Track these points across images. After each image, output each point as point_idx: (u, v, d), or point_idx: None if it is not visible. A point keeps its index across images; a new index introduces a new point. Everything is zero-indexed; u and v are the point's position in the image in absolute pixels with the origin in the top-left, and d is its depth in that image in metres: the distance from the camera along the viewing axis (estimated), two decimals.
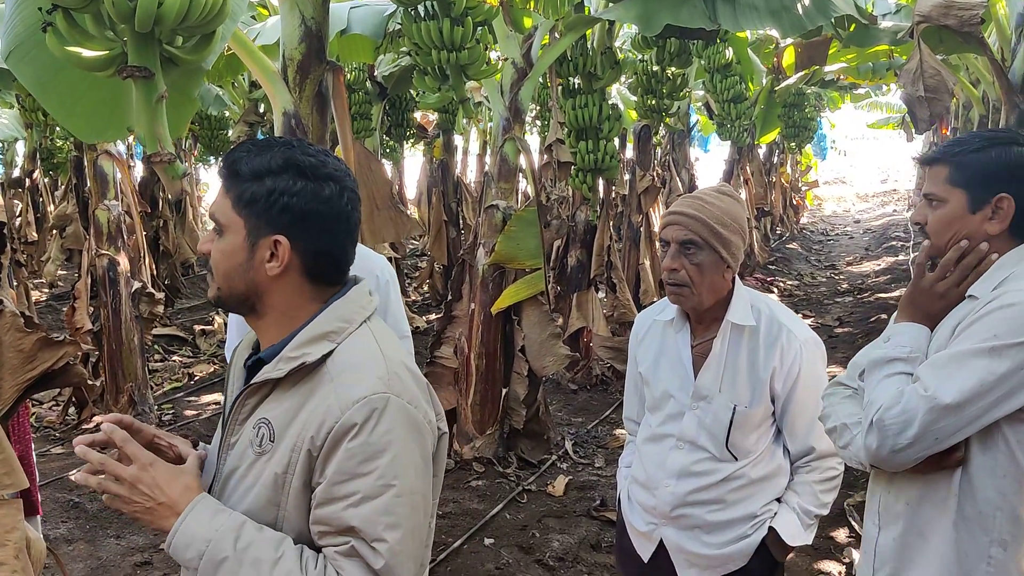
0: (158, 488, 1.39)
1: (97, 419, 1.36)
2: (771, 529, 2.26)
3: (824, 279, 12.12)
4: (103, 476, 1.40)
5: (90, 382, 5.86)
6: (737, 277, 2.30)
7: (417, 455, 1.40)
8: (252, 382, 1.44)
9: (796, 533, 2.26)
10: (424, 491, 1.42)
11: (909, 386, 1.73)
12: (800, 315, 7.15)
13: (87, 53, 2.51)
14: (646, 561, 2.39)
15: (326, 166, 1.43)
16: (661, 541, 2.35)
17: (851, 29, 6.22)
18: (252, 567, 1.33)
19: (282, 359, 1.41)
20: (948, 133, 12.50)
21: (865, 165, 33.09)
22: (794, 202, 17.03)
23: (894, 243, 14.59)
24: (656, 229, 7.47)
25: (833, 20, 5.33)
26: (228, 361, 1.62)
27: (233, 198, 1.41)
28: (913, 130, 6.37)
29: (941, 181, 1.87)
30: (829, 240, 16.54)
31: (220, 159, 1.46)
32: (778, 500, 2.31)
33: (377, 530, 1.34)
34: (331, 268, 1.47)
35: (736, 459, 2.26)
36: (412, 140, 10.61)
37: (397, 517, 1.35)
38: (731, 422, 2.23)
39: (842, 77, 10.79)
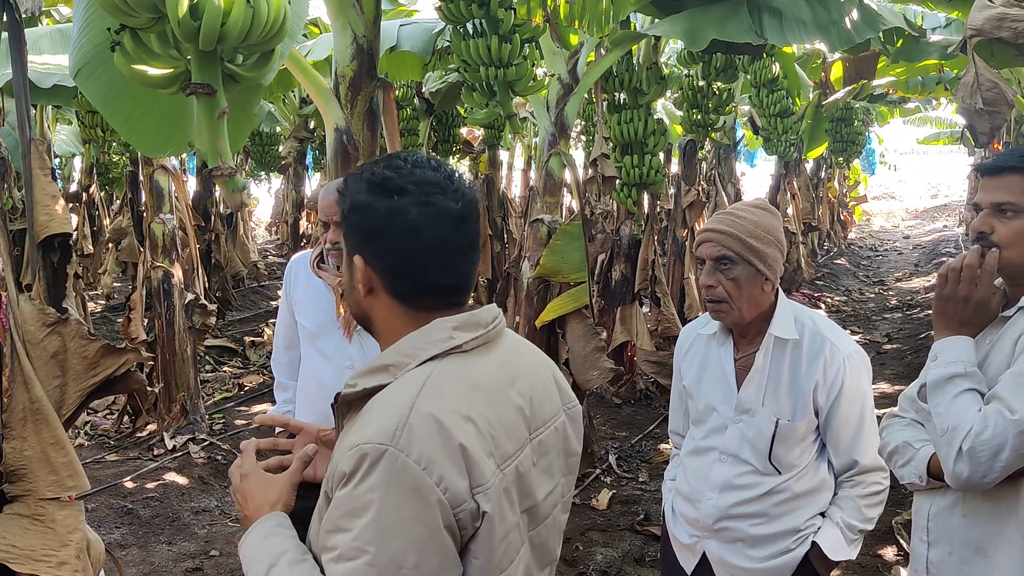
0: (250, 499, 1.48)
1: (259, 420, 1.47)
2: (814, 544, 2.26)
3: (872, 295, 11.96)
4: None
5: (149, 389, 6.02)
6: (781, 291, 2.31)
7: (414, 523, 1.20)
8: (338, 401, 1.37)
9: (839, 548, 2.25)
10: (424, 568, 1.21)
11: (990, 407, 1.70)
12: (848, 331, 7.07)
13: (153, 71, 2.61)
14: (689, 573, 2.40)
15: None
16: (704, 554, 2.36)
17: (899, 44, 6.18)
18: None
19: (349, 383, 1.35)
20: (1001, 148, 12.30)
21: (915, 180, 32.54)
22: (842, 217, 16.82)
23: (944, 259, 14.28)
24: None
25: (882, 34, 5.30)
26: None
27: None
28: (973, 143, 6.29)
29: (1021, 192, 1.82)
30: (878, 256, 16.32)
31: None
32: (822, 515, 2.30)
33: None
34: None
35: (779, 473, 2.26)
36: (458, 155, 10.71)
37: None
38: (774, 436, 2.23)
39: (891, 91, 10.69)
